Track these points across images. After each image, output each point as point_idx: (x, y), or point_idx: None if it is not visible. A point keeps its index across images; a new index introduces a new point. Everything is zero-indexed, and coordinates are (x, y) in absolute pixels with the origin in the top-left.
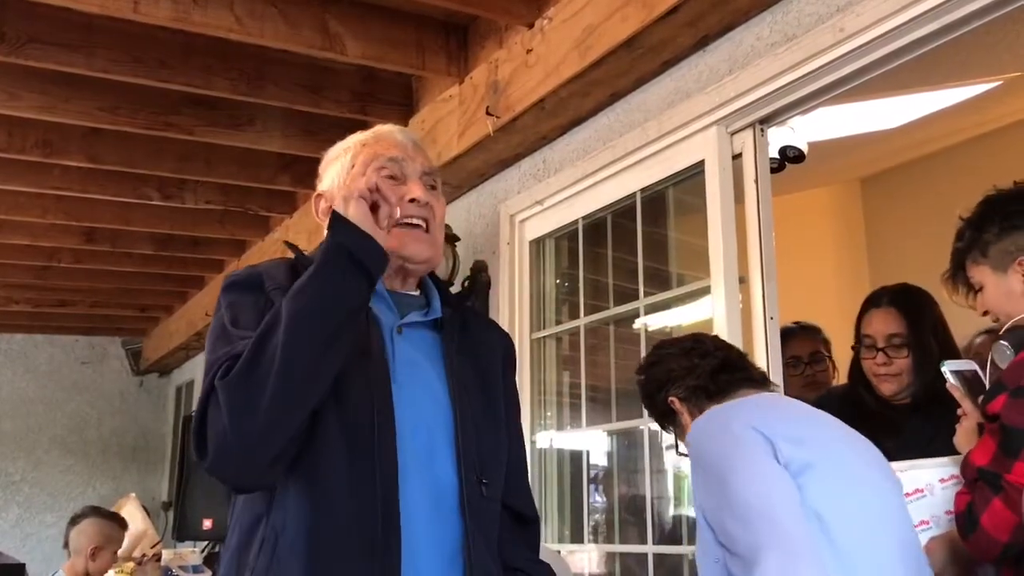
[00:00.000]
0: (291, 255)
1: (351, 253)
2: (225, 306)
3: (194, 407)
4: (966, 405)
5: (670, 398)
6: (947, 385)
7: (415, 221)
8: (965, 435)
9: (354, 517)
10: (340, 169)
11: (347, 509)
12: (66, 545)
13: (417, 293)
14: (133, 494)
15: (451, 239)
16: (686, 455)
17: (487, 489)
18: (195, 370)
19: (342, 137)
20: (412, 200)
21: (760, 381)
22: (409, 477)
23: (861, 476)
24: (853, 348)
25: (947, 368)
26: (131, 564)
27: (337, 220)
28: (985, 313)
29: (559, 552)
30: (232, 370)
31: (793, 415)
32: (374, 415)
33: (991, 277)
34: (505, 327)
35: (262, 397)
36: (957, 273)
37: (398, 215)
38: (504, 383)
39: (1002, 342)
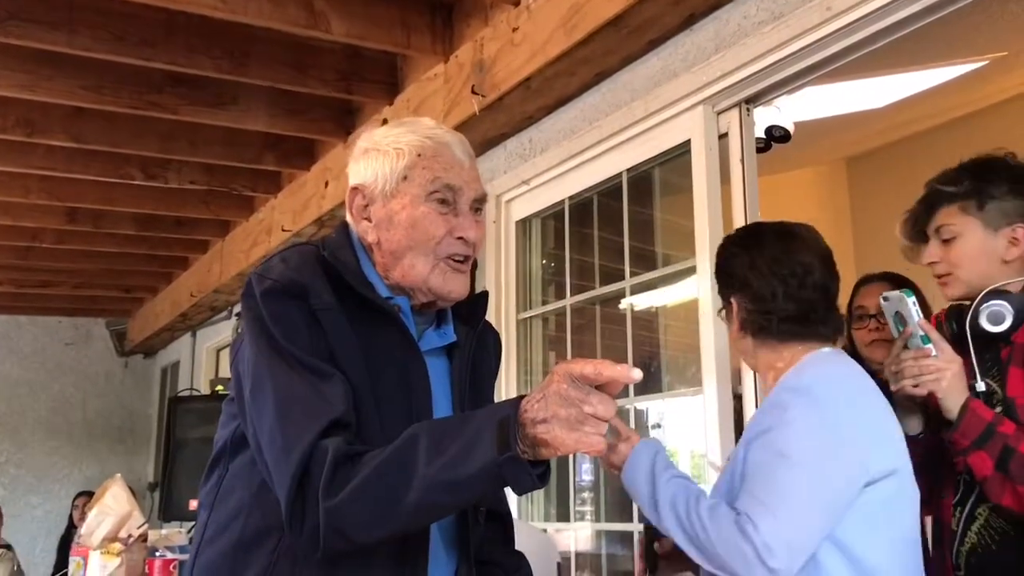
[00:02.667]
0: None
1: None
2: (270, 317)
3: (181, 388)
4: (947, 349)
5: (732, 297)
6: (920, 319)
7: (459, 258)
8: (958, 382)
9: (389, 548)
10: (387, 170)
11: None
12: None
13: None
14: (119, 475)
15: None
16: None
17: (482, 516)
18: (181, 350)
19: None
20: (460, 238)
21: (827, 336)
22: None
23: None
24: (845, 321)
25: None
26: (117, 545)
27: (518, 461)
28: (932, 264)
29: (545, 531)
30: (345, 489)
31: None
32: None
33: (978, 232)
34: (491, 308)
35: (384, 526)
36: (927, 213)
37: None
38: (494, 388)
39: (997, 302)
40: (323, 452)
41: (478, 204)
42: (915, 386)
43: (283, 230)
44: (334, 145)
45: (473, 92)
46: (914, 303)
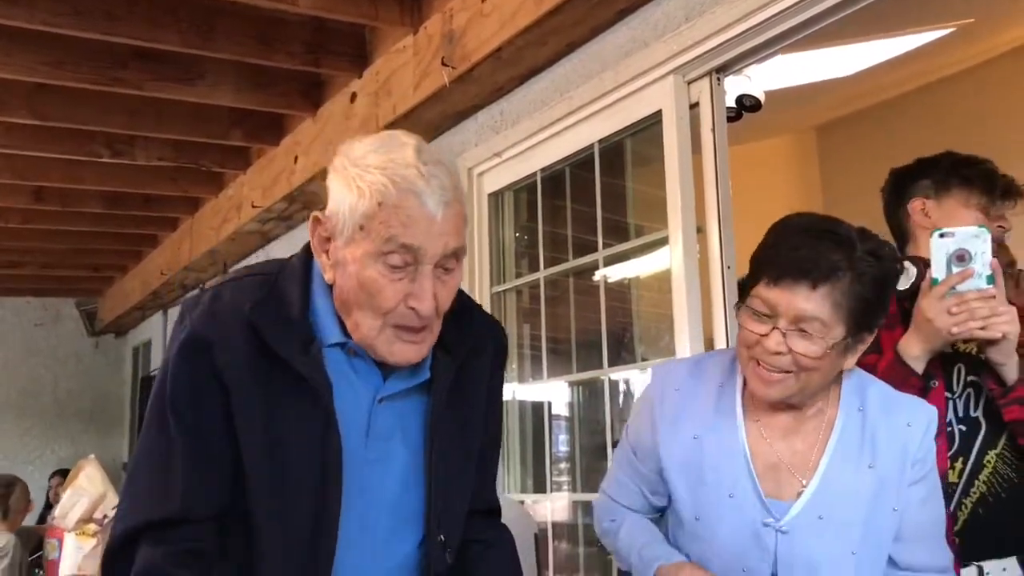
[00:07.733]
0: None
1: None
2: (171, 373)
3: (153, 368)
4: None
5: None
6: (994, 258)
7: (410, 328)
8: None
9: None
10: (347, 209)
11: None
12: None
13: None
14: (92, 455)
15: None
16: None
17: (448, 543)
18: (152, 330)
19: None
20: (413, 308)
21: None
22: (364, 557)
23: None
24: None
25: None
26: (92, 526)
27: None
28: None
29: (522, 502)
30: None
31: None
32: (319, 532)
33: (902, 211)
34: (465, 282)
35: None
36: None
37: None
38: (490, 390)
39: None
40: (137, 557)
41: (448, 262)
42: (982, 328)
43: (253, 206)
44: (303, 119)
45: (443, 64)
46: (990, 239)
